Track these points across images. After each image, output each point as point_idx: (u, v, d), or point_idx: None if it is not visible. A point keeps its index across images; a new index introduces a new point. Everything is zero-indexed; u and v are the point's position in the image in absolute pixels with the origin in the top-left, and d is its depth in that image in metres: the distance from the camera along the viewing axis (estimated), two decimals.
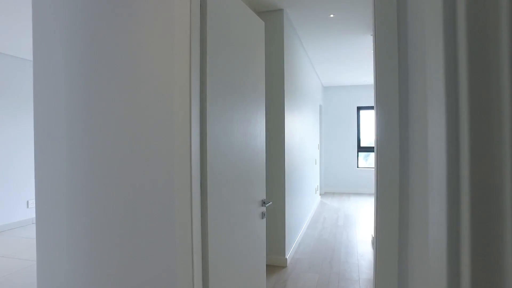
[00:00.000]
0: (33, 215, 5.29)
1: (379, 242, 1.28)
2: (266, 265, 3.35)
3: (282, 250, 3.34)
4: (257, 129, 2.12)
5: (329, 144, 8.27)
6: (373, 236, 4.16)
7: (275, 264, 3.34)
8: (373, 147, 8.24)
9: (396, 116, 1.28)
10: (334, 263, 3.36)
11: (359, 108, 8.16)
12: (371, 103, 8.05)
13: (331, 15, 3.44)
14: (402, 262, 1.10)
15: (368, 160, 8.34)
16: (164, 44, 1.32)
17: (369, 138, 8.24)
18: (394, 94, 1.27)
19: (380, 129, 1.30)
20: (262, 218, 2.20)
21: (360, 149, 8.21)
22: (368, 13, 3.42)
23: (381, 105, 1.29)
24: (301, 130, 4.54)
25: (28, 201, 5.16)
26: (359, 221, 5.21)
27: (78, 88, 1.44)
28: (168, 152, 1.31)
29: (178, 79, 1.32)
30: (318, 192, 6.98)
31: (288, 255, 3.43)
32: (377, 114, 1.31)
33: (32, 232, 4.66)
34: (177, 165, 1.31)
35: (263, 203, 2.21)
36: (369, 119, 8.19)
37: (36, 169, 1.50)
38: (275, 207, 3.38)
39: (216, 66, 1.53)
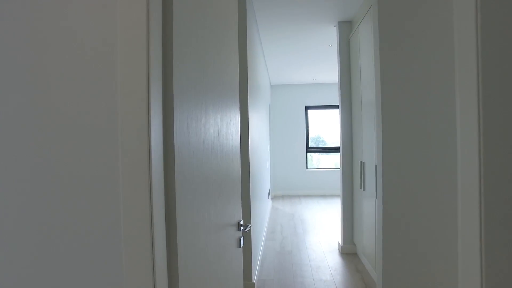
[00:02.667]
0: None
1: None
2: None
3: (248, 273, 2.81)
4: (232, 125, 1.58)
5: (277, 145, 7.95)
6: (340, 244, 3.88)
7: None
8: (323, 148, 8.16)
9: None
10: (307, 283, 2.93)
11: (307, 108, 7.98)
12: (320, 102, 7.91)
13: None
14: None
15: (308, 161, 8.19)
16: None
17: (315, 138, 8.10)
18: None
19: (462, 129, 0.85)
20: (239, 246, 1.65)
21: (309, 149, 8.03)
22: (337, 0, 3.06)
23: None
24: (259, 131, 4.06)
25: None
26: (318, 227, 4.89)
27: None
28: (108, 162, 0.69)
29: (125, 50, 0.71)
30: (270, 196, 6.59)
31: (254, 278, 2.91)
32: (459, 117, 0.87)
33: None
34: (127, 180, 0.70)
35: (240, 226, 1.66)
36: (317, 118, 8.05)
37: None
38: None
39: (183, 40, 0.95)
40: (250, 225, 1.66)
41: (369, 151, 2.99)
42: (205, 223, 1.08)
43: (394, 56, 2.11)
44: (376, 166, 2.78)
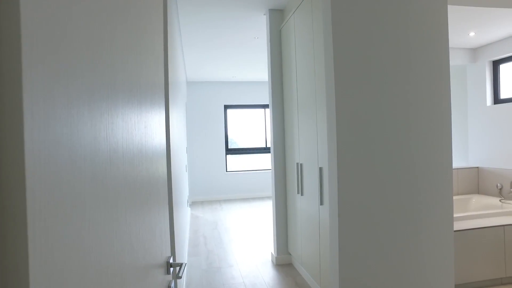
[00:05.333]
0: None
1: None
2: None
3: None
4: (155, 117, 1.07)
5: (194, 146, 7.36)
6: (274, 254, 3.54)
7: None
8: (243, 149, 7.84)
9: None
10: None
11: (226, 107, 7.58)
12: (240, 101, 7.59)
13: None
14: None
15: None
16: None
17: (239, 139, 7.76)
18: None
19: None
20: None
21: (229, 151, 7.64)
22: None
23: None
24: (178, 131, 3.48)
25: None
26: (246, 235, 4.51)
27: None
28: None
29: None
30: (188, 203, 5.98)
31: None
32: None
33: None
34: None
35: (170, 266, 1.15)
36: (237, 119, 7.71)
37: None
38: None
39: None
40: (184, 264, 1.15)
41: (308, 152, 2.70)
42: (109, 270, 0.55)
43: (348, 50, 1.82)
44: (320, 168, 2.50)
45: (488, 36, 3.66)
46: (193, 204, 7.07)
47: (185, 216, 4.16)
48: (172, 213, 1.96)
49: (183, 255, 2.94)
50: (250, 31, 3.91)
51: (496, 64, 3.95)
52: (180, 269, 1.09)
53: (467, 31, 3.51)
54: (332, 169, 1.86)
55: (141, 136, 0.81)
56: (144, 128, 0.85)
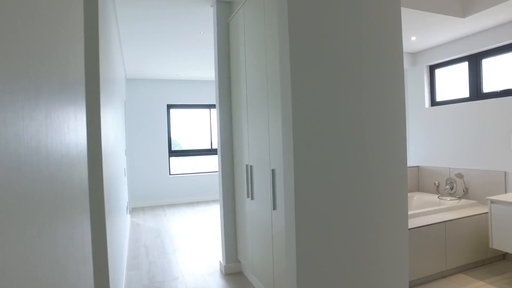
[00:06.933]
0: None
1: None
2: None
3: None
4: (66, 110, 0.81)
5: (134, 148, 6.84)
6: (222, 263, 3.31)
7: None
8: (187, 151, 7.47)
9: None
10: None
11: (169, 106, 7.18)
12: (184, 101, 7.23)
13: None
14: None
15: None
16: None
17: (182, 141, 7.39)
18: None
19: None
20: None
21: (172, 153, 7.24)
22: None
23: None
24: (114, 133, 3.10)
25: None
26: (191, 243, 4.22)
27: None
28: None
29: None
30: (128, 210, 5.50)
31: None
32: None
33: None
34: None
35: None
36: (180, 119, 7.34)
37: None
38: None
39: None
40: None
41: (259, 153, 2.53)
42: None
43: (305, 49, 1.68)
44: (273, 170, 2.35)
45: (427, 41, 3.84)
46: (133, 210, 6.55)
47: (123, 223, 3.74)
48: (105, 230, 1.64)
49: (120, 262, 2.57)
50: (196, 24, 3.65)
51: (432, 69, 4.18)
52: None
53: (409, 36, 3.64)
54: (288, 171, 1.70)
55: (39, 130, 0.56)
56: (45, 118, 0.60)
